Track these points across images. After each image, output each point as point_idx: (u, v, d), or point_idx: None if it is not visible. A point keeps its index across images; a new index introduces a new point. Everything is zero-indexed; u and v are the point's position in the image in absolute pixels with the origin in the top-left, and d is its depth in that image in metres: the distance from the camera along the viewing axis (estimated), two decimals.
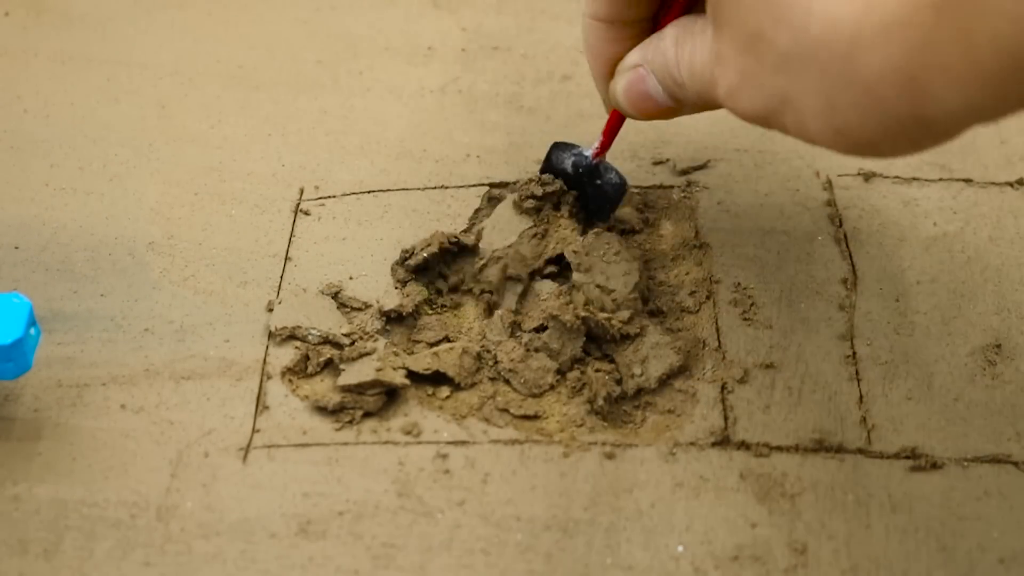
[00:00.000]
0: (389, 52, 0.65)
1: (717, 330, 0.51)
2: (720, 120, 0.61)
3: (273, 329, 0.50)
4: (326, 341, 0.49)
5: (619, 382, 0.48)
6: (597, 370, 0.48)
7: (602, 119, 0.61)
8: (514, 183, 0.56)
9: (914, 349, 0.50)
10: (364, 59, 0.64)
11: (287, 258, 0.53)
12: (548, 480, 0.45)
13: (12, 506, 0.44)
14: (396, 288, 0.52)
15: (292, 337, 0.49)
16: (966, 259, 0.54)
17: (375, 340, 0.49)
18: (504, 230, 0.52)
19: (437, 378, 0.48)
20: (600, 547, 0.43)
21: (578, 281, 0.50)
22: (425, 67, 0.64)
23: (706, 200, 0.56)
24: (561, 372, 0.48)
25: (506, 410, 0.47)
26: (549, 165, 0.53)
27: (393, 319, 0.50)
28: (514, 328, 0.50)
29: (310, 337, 0.49)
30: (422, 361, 0.48)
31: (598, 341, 0.49)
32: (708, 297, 0.52)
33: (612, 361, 0.49)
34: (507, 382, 0.48)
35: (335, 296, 0.51)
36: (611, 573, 0.43)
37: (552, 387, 0.48)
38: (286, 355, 0.49)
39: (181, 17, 0.66)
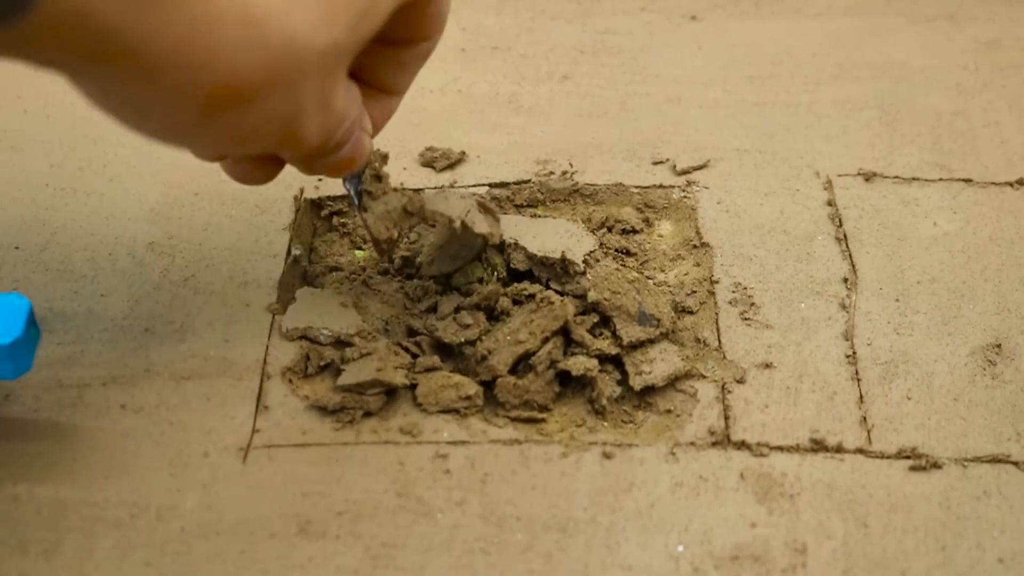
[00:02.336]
0: None
1: (717, 330, 0.51)
2: (720, 120, 0.61)
3: (285, 330, 0.49)
4: (338, 341, 0.49)
5: (620, 383, 0.48)
6: (602, 371, 0.48)
7: (603, 119, 0.61)
8: (515, 183, 0.56)
9: (914, 349, 0.50)
10: None
11: (287, 258, 0.53)
12: (548, 480, 0.45)
13: (12, 506, 0.44)
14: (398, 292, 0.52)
15: (304, 337, 0.49)
16: (966, 259, 0.54)
17: (375, 340, 0.49)
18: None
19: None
20: (600, 547, 0.43)
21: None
22: (425, 67, 0.63)
23: (706, 200, 0.56)
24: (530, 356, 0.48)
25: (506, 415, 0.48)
26: None
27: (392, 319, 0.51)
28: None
29: (322, 337, 0.49)
30: None
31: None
32: (708, 297, 0.52)
33: (617, 365, 0.49)
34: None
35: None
36: (611, 573, 0.42)
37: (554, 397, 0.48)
38: (286, 355, 0.49)
39: None
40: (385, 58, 0.43)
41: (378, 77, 0.44)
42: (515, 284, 0.50)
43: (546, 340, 0.48)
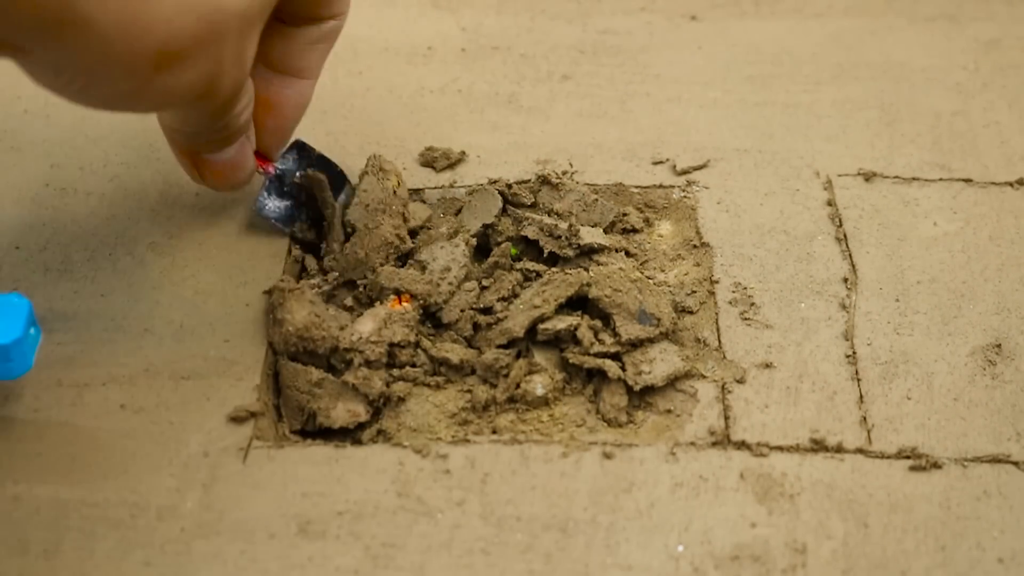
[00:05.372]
0: (389, 52, 0.65)
1: (717, 330, 0.51)
2: (720, 120, 0.61)
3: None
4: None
5: (628, 388, 0.48)
6: (609, 380, 0.48)
7: (603, 119, 0.61)
8: (516, 182, 0.56)
9: (914, 349, 0.50)
10: (364, 59, 0.64)
11: (287, 258, 0.53)
12: (548, 480, 0.45)
13: (12, 506, 0.44)
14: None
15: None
16: (966, 259, 0.54)
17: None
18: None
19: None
20: (600, 547, 0.43)
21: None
22: (425, 67, 0.64)
23: (706, 200, 0.56)
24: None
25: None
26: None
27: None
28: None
29: None
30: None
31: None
32: (708, 297, 0.52)
33: (623, 367, 0.49)
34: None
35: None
36: (611, 573, 0.42)
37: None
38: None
39: None
40: (292, 38, 0.47)
41: (289, 59, 0.48)
42: (517, 262, 0.51)
43: (560, 306, 0.49)
